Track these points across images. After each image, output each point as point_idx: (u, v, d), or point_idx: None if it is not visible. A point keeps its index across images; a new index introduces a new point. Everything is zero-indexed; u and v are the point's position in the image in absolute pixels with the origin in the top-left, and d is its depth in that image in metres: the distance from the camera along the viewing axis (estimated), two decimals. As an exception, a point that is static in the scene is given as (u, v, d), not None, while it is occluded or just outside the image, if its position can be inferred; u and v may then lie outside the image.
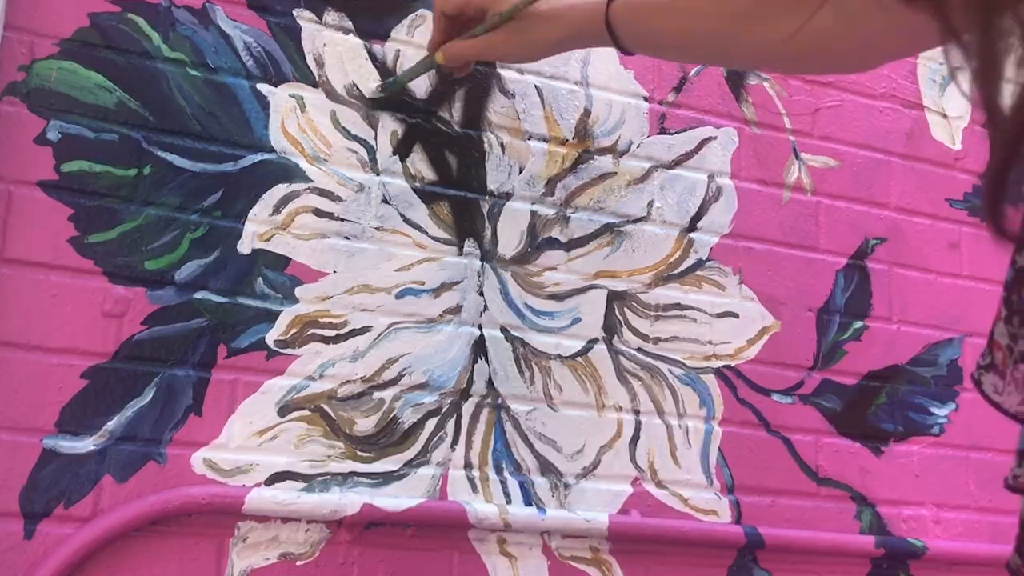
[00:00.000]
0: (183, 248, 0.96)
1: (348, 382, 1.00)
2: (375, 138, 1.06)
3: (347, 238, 1.03)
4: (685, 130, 1.20)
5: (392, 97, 1.06)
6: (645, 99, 1.19)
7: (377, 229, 1.04)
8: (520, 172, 1.11)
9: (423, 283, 1.05)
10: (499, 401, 1.06)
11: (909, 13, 0.50)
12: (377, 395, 1.01)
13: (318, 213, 1.02)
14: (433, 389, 1.03)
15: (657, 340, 1.14)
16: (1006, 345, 0.53)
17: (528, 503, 1.04)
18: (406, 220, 1.05)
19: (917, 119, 1.34)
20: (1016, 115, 0.43)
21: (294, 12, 1.04)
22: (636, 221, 1.16)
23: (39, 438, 0.89)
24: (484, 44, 0.91)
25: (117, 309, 0.93)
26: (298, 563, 0.95)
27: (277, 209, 1.00)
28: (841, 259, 1.26)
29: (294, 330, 0.99)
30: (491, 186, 1.09)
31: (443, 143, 1.08)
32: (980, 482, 1.27)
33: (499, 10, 0.89)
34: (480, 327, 1.06)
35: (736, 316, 1.18)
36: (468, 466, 1.03)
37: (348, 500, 0.96)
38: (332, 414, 0.99)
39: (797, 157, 1.26)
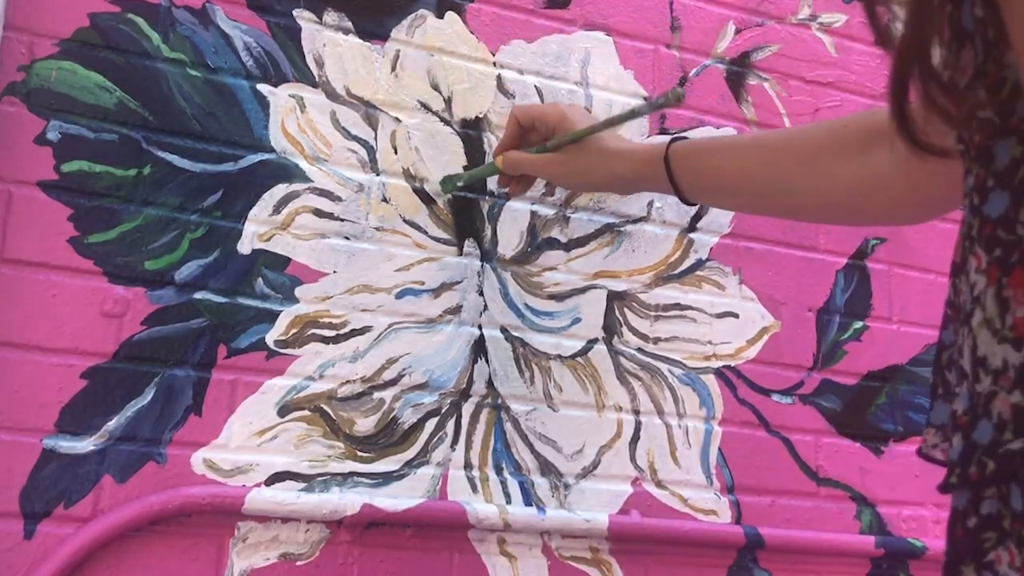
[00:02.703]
0: (183, 248, 0.96)
1: (348, 382, 1.00)
2: (375, 138, 1.06)
3: (347, 238, 1.03)
4: (685, 130, 1.20)
5: (451, 191, 1.07)
6: (645, 99, 1.19)
7: (377, 229, 1.04)
8: (520, 172, 1.11)
9: (423, 283, 1.05)
10: (499, 401, 1.06)
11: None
12: (377, 395, 1.01)
13: (318, 213, 1.02)
14: (433, 389, 1.03)
15: (657, 340, 1.14)
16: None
17: (528, 503, 1.04)
18: (406, 220, 1.05)
19: (917, 119, 1.34)
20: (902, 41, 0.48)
21: (294, 12, 1.04)
22: (636, 221, 1.16)
23: (39, 438, 0.89)
24: (543, 162, 0.92)
25: (117, 309, 0.93)
26: (298, 563, 0.95)
27: (277, 209, 1.00)
28: (841, 259, 1.26)
29: (294, 330, 0.99)
30: (491, 186, 1.09)
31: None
32: (980, 482, 1.27)
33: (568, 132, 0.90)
34: (480, 327, 1.06)
35: (736, 316, 1.18)
36: (468, 466, 1.03)
37: (348, 500, 0.96)
38: (332, 414, 0.99)
39: (797, 157, 1.26)
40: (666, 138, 0.86)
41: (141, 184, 0.95)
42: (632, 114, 0.88)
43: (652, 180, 0.87)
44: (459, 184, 1.05)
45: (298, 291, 1.00)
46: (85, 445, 0.90)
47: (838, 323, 1.24)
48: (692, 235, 1.18)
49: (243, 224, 0.99)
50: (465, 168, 1.08)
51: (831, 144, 0.75)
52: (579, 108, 0.93)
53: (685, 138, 0.88)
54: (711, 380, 1.16)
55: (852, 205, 0.75)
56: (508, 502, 1.03)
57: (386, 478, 1.00)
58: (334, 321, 1.01)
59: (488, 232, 1.09)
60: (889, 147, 0.70)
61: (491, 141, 1.10)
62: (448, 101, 1.09)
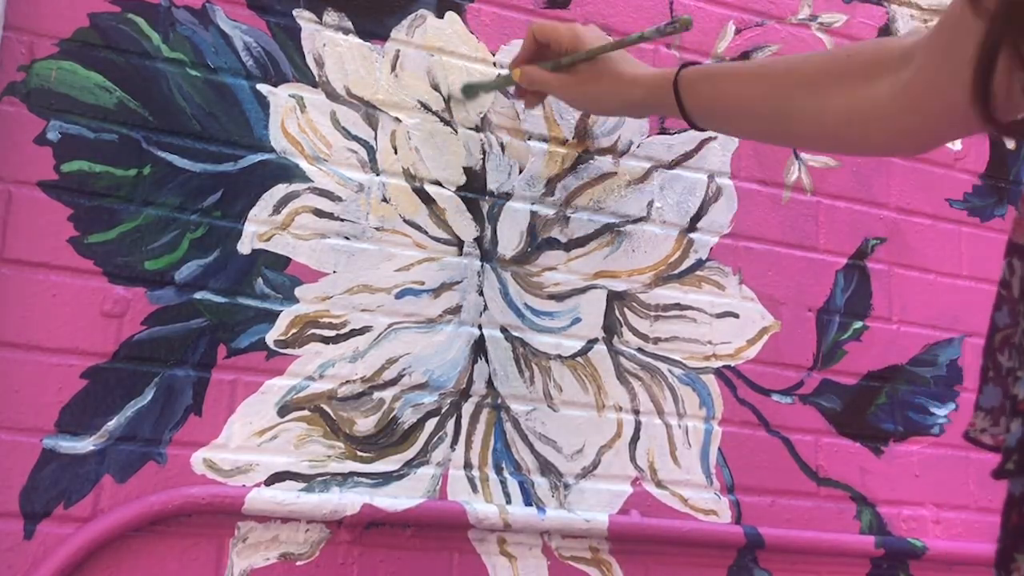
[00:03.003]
0: (183, 248, 0.96)
1: (348, 382, 1.00)
2: (375, 138, 1.06)
3: (347, 238, 1.03)
4: (685, 130, 1.20)
5: (468, 99, 1.08)
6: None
7: (377, 229, 1.04)
8: (520, 172, 1.11)
9: (423, 283, 1.05)
10: (499, 401, 1.06)
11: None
12: (377, 395, 1.01)
13: (318, 213, 1.02)
14: (433, 389, 1.03)
15: (657, 340, 1.14)
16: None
17: (528, 503, 1.04)
18: (406, 220, 1.05)
19: (917, 119, 1.34)
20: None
21: (294, 12, 1.04)
22: (636, 221, 1.16)
23: (39, 438, 0.89)
24: (557, 81, 0.92)
25: (117, 309, 0.93)
26: (298, 563, 0.95)
27: (277, 209, 1.00)
28: (841, 259, 1.26)
29: (294, 330, 0.99)
30: (491, 186, 1.09)
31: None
32: (980, 482, 1.27)
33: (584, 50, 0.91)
34: (480, 327, 1.06)
35: (736, 316, 1.18)
36: (468, 466, 1.03)
37: (348, 500, 0.96)
38: (332, 414, 0.99)
39: (797, 157, 1.26)
40: (675, 68, 0.87)
41: (141, 184, 0.95)
42: (641, 38, 0.89)
43: (661, 105, 0.88)
44: (481, 92, 1.07)
45: (298, 291, 1.00)
46: (85, 445, 0.90)
47: (838, 323, 1.24)
48: (692, 235, 1.18)
49: (243, 224, 0.99)
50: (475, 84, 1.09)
51: (834, 71, 0.76)
52: (593, 28, 0.94)
53: (697, 63, 0.88)
54: (711, 380, 1.16)
55: (849, 134, 0.76)
56: (508, 502, 1.03)
57: (386, 478, 1.00)
58: (334, 321, 1.01)
59: (488, 232, 1.09)
60: (892, 79, 0.70)
61: (491, 141, 1.10)
62: (448, 101, 1.09)
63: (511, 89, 1.04)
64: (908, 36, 0.73)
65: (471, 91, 1.08)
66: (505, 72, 1.00)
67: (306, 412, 0.98)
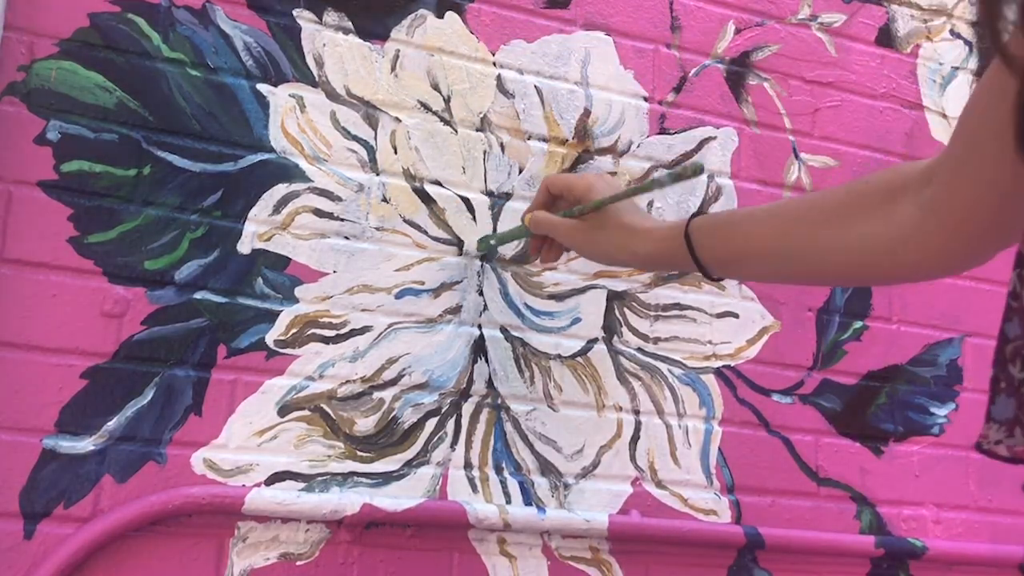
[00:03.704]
0: (183, 248, 0.96)
1: (348, 382, 1.00)
2: (375, 138, 1.06)
3: (347, 238, 1.03)
4: (685, 130, 1.20)
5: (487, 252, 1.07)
6: (645, 99, 1.19)
7: (377, 229, 1.04)
8: (520, 172, 1.11)
9: (423, 283, 1.05)
10: (499, 401, 1.06)
11: None
12: (377, 395, 1.01)
13: (318, 213, 1.02)
14: (433, 389, 1.03)
15: (657, 340, 1.14)
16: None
17: (528, 503, 1.04)
18: (406, 220, 1.05)
19: (917, 119, 1.34)
20: None
21: (294, 12, 1.04)
22: (636, 221, 1.15)
23: (39, 438, 0.89)
24: (566, 228, 0.91)
25: (117, 309, 0.93)
26: (298, 563, 0.95)
27: (277, 209, 1.00)
28: (841, 259, 1.26)
29: (294, 330, 0.99)
30: (491, 186, 1.09)
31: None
32: (980, 482, 1.27)
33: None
34: (480, 327, 1.06)
35: (736, 316, 1.18)
36: (468, 466, 1.03)
37: (348, 500, 0.96)
38: (332, 414, 0.99)
39: (797, 157, 1.26)
40: (683, 220, 0.84)
41: (141, 184, 0.95)
42: (654, 184, 0.86)
43: (673, 258, 0.85)
44: (492, 243, 1.05)
45: (298, 291, 1.00)
46: (85, 445, 0.90)
47: (838, 323, 1.24)
48: (692, 235, 1.18)
49: (243, 224, 0.99)
50: (496, 231, 1.08)
51: (852, 202, 0.73)
52: (607, 178, 0.92)
53: (703, 213, 0.86)
54: (711, 380, 1.16)
55: (878, 262, 0.72)
56: (508, 502, 1.03)
57: (386, 478, 1.00)
58: (334, 321, 1.01)
59: (488, 232, 1.08)
60: (914, 198, 0.68)
61: (491, 141, 1.10)
62: (448, 101, 1.09)
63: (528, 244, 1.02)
64: (924, 161, 0.70)
65: (484, 244, 1.05)
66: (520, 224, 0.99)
67: (306, 412, 0.98)
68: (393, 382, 1.02)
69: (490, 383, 1.06)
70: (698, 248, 0.82)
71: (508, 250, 1.09)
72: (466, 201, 1.08)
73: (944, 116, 1.36)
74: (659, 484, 1.11)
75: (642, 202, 1.16)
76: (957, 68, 1.38)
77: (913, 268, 0.71)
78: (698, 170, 0.80)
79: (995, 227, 0.64)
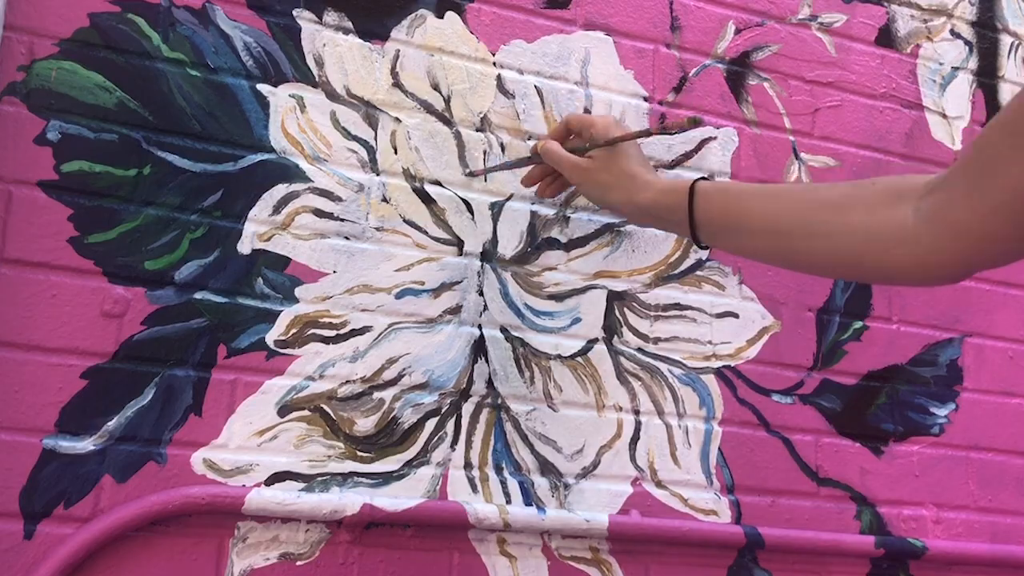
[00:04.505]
0: (183, 248, 0.96)
1: (348, 382, 1.00)
2: (375, 138, 1.06)
3: (347, 238, 1.03)
4: (685, 130, 1.20)
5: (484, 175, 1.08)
6: (645, 99, 1.19)
7: (377, 229, 1.04)
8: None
9: (423, 283, 1.05)
10: (499, 401, 1.06)
11: None
12: (377, 395, 1.01)
13: (318, 213, 1.02)
14: (433, 389, 1.03)
15: (657, 340, 1.14)
16: None
17: (528, 503, 1.04)
18: (406, 220, 1.05)
19: (917, 119, 1.34)
20: None
21: (294, 12, 1.04)
22: (636, 221, 1.15)
23: (39, 438, 0.89)
24: (573, 163, 0.93)
25: (117, 309, 0.93)
26: (298, 563, 0.95)
27: (277, 209, 1.00)
28: (841, 259, 1.26)
29: (294, 330, 0.99)
30: (491, 186, 1.09)
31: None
32: (980, 482, 1.27)
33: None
34: (480, 327, 1.06)
35: (736, 316, 1.18)
36: (468, 466, 1.03)
37: (348, 500, 0.96)
38: (332, 414, 0.99)
39: (797, 157, 1.26)
40: (689, 180, 0.86)
41: (141, 184, 0.95)
42: (662, 130, 0.89)
43: (669, 212, 0.86)
44: (493, 171, 1.07)
45: (298, 291, 1.00)
46: (85, 445, 0.90)
47: (838, 323, 1.24)
48: (692, 235, 1.18)
49: (243, 224, 0.99)
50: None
51: (857, 194, 0.76)
52: (620, 126, 0.94)
53: (711, 179, 0.88)
54: (711, 380, 1.16)
55: (870, 255, 0.74)
56: (508, 502, 1.03)
57: (386, 478, 1.00)
58: (334, 321, 1.01)
59: (488, 232, 1.09)
60: (916, 205, 0.70)
61: (491, 141, 1.10)
62: (448, 101, 1.09)
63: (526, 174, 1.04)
64: (932, 175, 0.72)
65: (490, 171, 1.06)
66: (527, 151, 1.00)
67: (306, 412, 0.98)
68: (393, 382, 1.02)
69: (490, 383, 1.06)
70: (697, 209, 0.83)
71: (508, 250, 1.09)
72: (466, 201, 1.08)
73: (944, 116, 1.36)
74: (659, 484, 1.11)
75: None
76: (957, 68, 1.38)
77: (897, 270, 0.73)
78: (696, 122, 0.84)
79: (995, 246, 0.66)
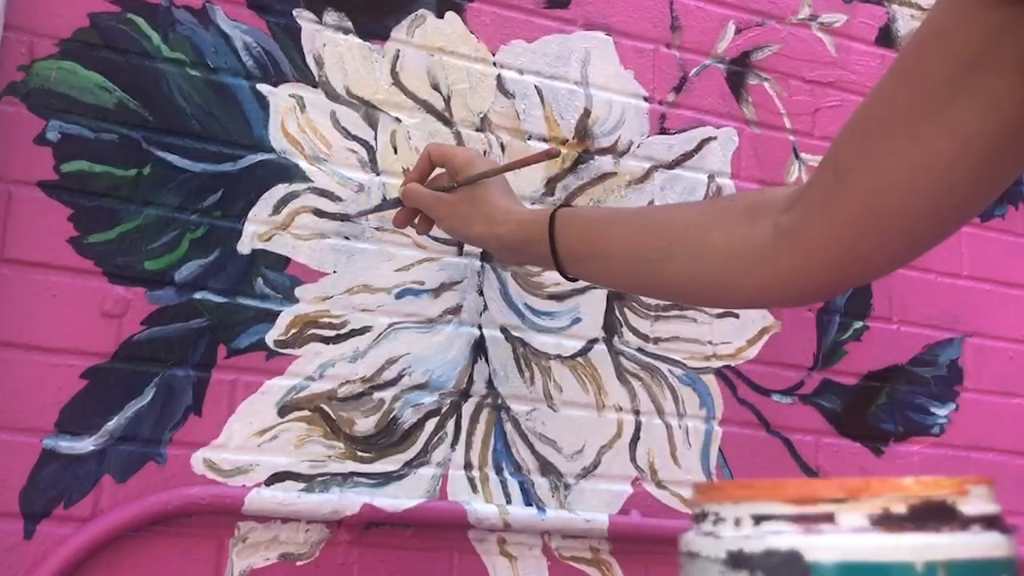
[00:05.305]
0: (183, 248, 0.96)
1: (348, 382, 1.00)
2: (375, 138, 1.06)
3: (347, 238, 1.03)
4: (685, 130, 1.20)
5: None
6: (645, 99, 1.19)
7: (377, 229, 1.04)
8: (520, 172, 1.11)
9: (423, 283, 1.05)
10: (499, 401, 1.06)
11: None
12: (377, 395, 1.01)
13: (318, 213, 1.02)
14: (433, 389, 1.03)
15: (657, 340, 1.14)
16: None
17: (528, 503, 1.04)
18: (406, 220, 1.05)
19: (917, 119, 1.34)
20: None
21: (294, 12, 1.04)
22: (636, 221, 1.15)
23: (39, 438, 0.89)
24: (435, 199, 0.90)
25: (117, 309, 0.93)
26: (298, 563, 0.95)
27: (277, 209, 1.00)
28: (841, 259, 1.26)
29: (294, 330, 0.99)
30: (491, 186, 1.09)
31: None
32: (980, 482, 1.27)
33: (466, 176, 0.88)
34: (480, 327, 1.06)
35: (736, 316, 1.18)
36: (468, 466, 1.03)
37: (348, 500, 0.96)
38: (332, 414, 0.99)
39: (797, 157, 1.26)
40: (549, 209, 0.83)
41: (141, 184, 0.95)
42: (522, 163, 0.87)
43: (529, 245, 0.83)
44: (361, 211, 1.03)
45: (298, 291, 1.00)
46: (85, 445, 0.90)
47: (838, 323, 1.24)
48: (692, 235, 1.18)
49: (243, 224, 0.99)
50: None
51: (715, 214, 0.73)
52: (486, 159, 0.92)
53: (569, 205, 0.86)
54: (711, 380, 1.16)
55: (729, 279, 0.70)
56: (508, 502, 1.03)
57: (386, 478, 1.00)
58: (334, 321, 1.01)
59: (488, 232, 1.09)
60: (775, 219, 0.66)
61: (491, 141, 1.10)
62: (448, 101, 1.09)
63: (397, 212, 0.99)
64: (791, 188, 0.70)
65: (362, 214, 1.03)
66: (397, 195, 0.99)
67: (306, 412, 0.98)
68: (393, 382, 1.02)
69: (490, 383, 1.06)
70: (559, 236, 0.80)
71: (508, 250, 1.09)
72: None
73: (944, 116, 1.36)
74: (659, 484, 1.11)
75: (643, 199, 1.16)
76: None
77: (758, 291, 0.69)
78: (553, 154, 0.85)
79: (844, 264, 0.63)
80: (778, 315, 1.21)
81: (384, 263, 1.04)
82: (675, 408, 1.13)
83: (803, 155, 1.26)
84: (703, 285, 0.73)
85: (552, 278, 1.10)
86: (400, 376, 1.02)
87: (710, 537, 0.42)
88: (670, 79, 1.21)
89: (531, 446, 1.06)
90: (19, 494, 0.87)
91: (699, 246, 0.71)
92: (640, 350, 1.13)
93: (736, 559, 0.40)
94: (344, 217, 1.02)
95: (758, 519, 0.41)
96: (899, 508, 0.40)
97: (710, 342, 1.16)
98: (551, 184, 1.12)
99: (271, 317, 0.98)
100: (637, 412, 1.11)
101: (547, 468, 1.06)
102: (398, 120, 1.07)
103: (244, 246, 0.99)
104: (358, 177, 1.04)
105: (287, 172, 1.01)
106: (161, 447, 0.93)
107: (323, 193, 1.02)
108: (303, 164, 1.02)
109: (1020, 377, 1.32)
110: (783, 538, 0.40)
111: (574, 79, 1.16)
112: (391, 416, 1.01)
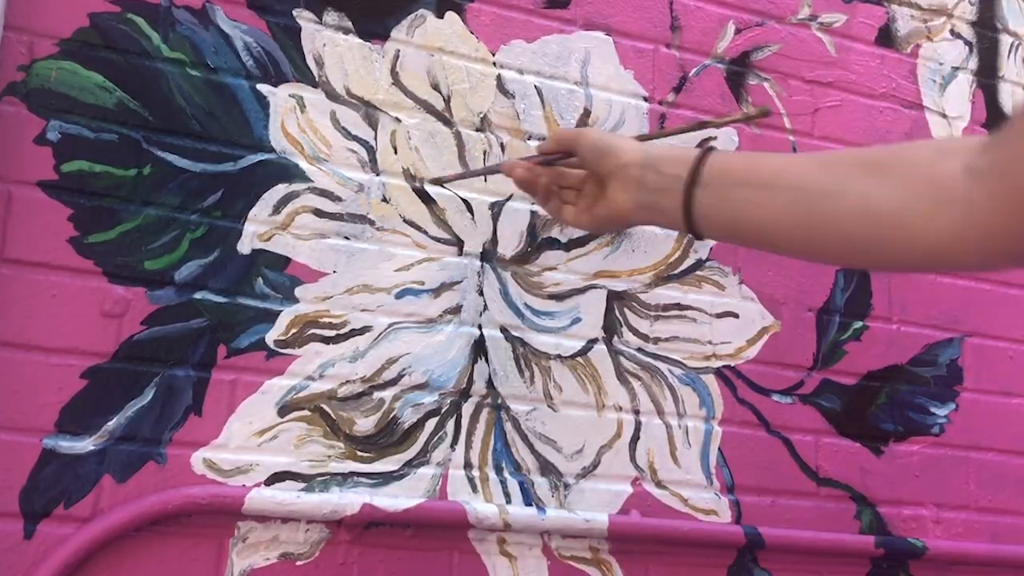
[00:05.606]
0: (183, 248, 0.96)
1: (348, 382, 1.00)
2: (375, 138, 1.06)
3: (347, 238, 1.03)
4: (685, 130, 1.20)
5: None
6: (645, 99, 1.19)
7: (377, 229, 1.04)
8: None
9: (423, 283, 1.05)
10: (499, 401, 1.06)
11: None
12: (377, 395, 1.01)
13: (318, 213, 1.02)
14: (433, 389, 1.03)
15: (657, 340, 1.14)
16: None
17: (528, 503, 1.04)
18: (406, 220, 1.05)
19: (917, 119, 1.34)
20: None
21: (294, 12, 1.04)
22: (636, 221, 1.15)
23: (39, 438, 0.89)
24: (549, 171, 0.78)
25: (117, 309, 0.93)
26: (298, 563, 0.95)
27: (277, 209, 1.00)
28: (841, 259, 1.26)
29: (294, 330, 0.99)
30: (491, 186, 1.09)
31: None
32: (980, 482, 1.27)
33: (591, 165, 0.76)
34: (480, 327, 1.06)
35: (736, 316, 1.18)
36: (468, 466, 1.03)
37: (348, 500, 0.96)
38: (332, 414, 0.99)
39: (797, 157, 1.26)
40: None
41: (141, 184, 0.95)
42: (708, 124, 0.81)
43: (672, 162, 0.71)
44: (460, 178, 1.05)
45: (298, 291, 1.00)
46: (85, 445, 0.90)
47: (838, 323, 1.24)
48: (692, 235, 1.18)
49: (243, 224, 0.99)
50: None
51: (894, 151, 0.62)
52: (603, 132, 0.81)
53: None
54: (711, 380, 1.16)
55: (915, 221, 0.58)
56: (508, 502, 1.03)
57: (386, 478, 1.00)
58: (334, 321, 1.01)
59: (488, 232, 1.09)
60: (962, 161, 0.57)
61: (491, 141, 1.10)
62: (448, 101, 1.09)
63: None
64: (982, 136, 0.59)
65: (441, 180, 1.02)
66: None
67: (306, 412, 0.98)
68: (393, 382, 1.02)
69: (490, 383, 1.06)
70: (711, 160, 0.69)
71: (508, 250, 1.09)
72: (466, 201, 1.08)
73: (944, 116, 1.36)
74: (659, 484, 1.11)
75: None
76: (957, 68, 1.38)
77: (940, 241, 0.58)
78: (766, 112, 0.78)
79: None
80: (778, 315, 1.21)
81: (384, 263, 1.04)
82: (675, 408, 1.13)
83: (803, 155, 1.26)
84: (879, 229, 0.60)
85: (552, 278, 1.10)
86: (400, 376, 1.02)
87: None
88: (670, 79, 1.21)
89: (531, 446, 1.06)
90: (19, 494, 0.87)
91: (877, 180, 0.60)
92: (640, 350, 1.13)
93: None
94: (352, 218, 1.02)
95: None
96: None
97: (710, 342, 1.16)
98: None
99: (271, 317, 0.98)
100: (637, 412, 1.11)
101: (547, 468, 1.06)
102: (398, 120, 1.07)
103: (244, 246, 0.99)
104: (358, 177, 1.04)
105: (287, 172, 1.01)
106: (161, 447, 0.93)
107: (323, 193, 1.02)
108: (303, 164, 1.02)
109: (1020, 377, 1.32)
110: None
111: (574, 79, 1.16)
112: (391, 416, 1.01)
